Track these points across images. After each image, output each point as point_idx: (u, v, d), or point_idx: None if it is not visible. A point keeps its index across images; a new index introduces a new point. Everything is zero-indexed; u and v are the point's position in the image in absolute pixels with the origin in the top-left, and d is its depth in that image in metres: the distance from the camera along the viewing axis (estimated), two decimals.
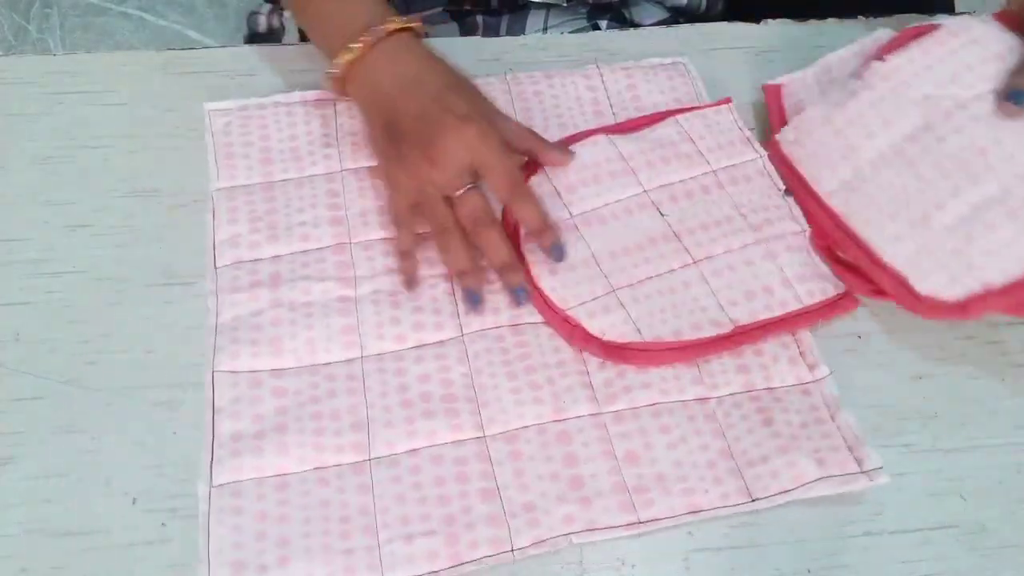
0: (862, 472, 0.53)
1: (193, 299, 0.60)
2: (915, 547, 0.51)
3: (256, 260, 0.61)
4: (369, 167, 0.66)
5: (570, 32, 0.83)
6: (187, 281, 0.60)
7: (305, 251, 0.62)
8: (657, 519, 0.52)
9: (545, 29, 0.84)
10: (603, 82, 0.71)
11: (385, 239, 0.62)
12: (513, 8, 0.83)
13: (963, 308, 0.56)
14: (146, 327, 0.58)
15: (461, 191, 0.59)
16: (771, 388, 0.57)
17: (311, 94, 0.69)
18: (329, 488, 0.52)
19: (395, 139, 0.61)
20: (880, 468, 0.53)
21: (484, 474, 0.53)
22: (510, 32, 0.84)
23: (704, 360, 0.57)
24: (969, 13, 0.78)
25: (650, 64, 0.72)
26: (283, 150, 0.66)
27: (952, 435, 0.56)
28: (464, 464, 0.53)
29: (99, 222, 0.63)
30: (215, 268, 0.61)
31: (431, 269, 0.61)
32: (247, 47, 0.73)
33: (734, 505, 0.52)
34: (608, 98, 0.70)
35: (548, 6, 0.83)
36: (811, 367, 0.58)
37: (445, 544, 0.50)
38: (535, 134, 0.64)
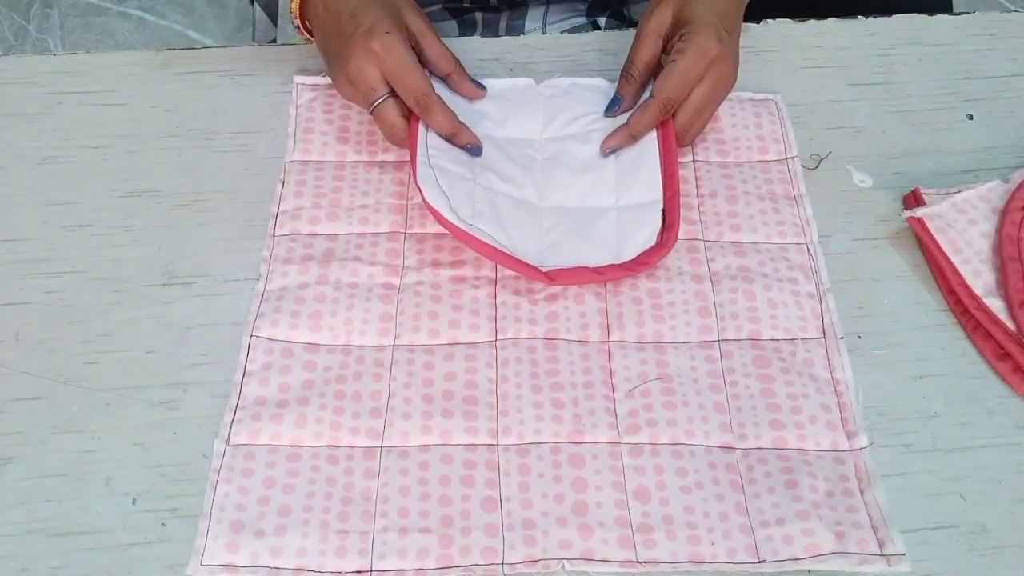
0: (882, 555, 0.50)
1: (193, 299, 0.60)
2: (915, 547, 0.51)
3: (313, 235, 0.62)
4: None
5: (570, 30, 0.83)
6: (187, 281, 0.60)
7: (361, 234, 0.63)
8: (656, 562, 0.50)
9: (544, 26, 0.84)
10: None
11: (438, 234, 0.62)
12: (512, 4, 0.83)
13: None
14: (146, 327, 0.58)
15: (378, 101, 0.62)
16: (803, 449, 0.54)
17: None
18: (338, 467, 0.53)
19: (328, 63, 0.65)
20: (903, 555, 0.50)
21: (490, 483, 0.53)
22: (509, 28, 0.84)
23: (737, 408, 0.56)
24: (968, 13, 0.78)
25: (739, 97, 0.70)
26: (360, 132, 0.67)
27: (952, 435, 0.56)
28: (472, 468, 0.53)
29: (99, 222, 0.63)
30: (273, 235, 0.62)
31: (477, 271, 0.61)
32: (247, 47, 0.73)
33: (739, 563, 0.50)
34: None
35: (547, 2, 0.83)
36: (850, 435, 0.55)
37: (438, 544, 0.50)
38: (456, 61, 0.67)
